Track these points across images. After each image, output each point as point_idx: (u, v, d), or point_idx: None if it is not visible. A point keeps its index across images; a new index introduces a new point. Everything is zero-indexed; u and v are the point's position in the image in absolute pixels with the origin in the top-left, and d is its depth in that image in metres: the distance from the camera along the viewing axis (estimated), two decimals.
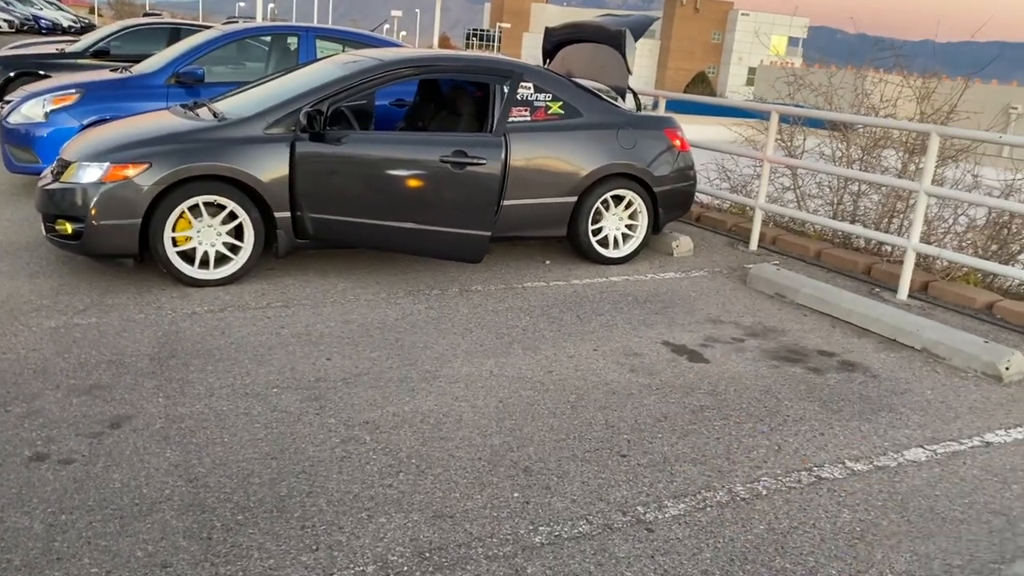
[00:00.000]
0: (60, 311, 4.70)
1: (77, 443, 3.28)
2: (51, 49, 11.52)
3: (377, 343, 4.51)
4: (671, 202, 6.56)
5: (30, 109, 7.32)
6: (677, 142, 6.54)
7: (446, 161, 5.05)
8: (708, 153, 7.97)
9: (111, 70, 8.28)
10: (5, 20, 33.41)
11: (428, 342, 4.57)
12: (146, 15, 38.36)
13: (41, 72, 10.25)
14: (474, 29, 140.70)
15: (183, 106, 6.05)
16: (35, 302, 4.81)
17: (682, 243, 6.86)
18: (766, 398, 4.13)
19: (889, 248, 6.79)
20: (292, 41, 8.54)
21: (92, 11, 58.43)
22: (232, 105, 5.80)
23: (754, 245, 7.14)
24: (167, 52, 8.29)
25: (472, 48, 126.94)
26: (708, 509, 3.08)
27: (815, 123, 7.94)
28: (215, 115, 5.51)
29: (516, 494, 3.10)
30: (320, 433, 3.48)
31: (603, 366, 4.38)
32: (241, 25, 8.39)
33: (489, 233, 5.03)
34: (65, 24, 34.79)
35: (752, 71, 76.12)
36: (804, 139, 7.78)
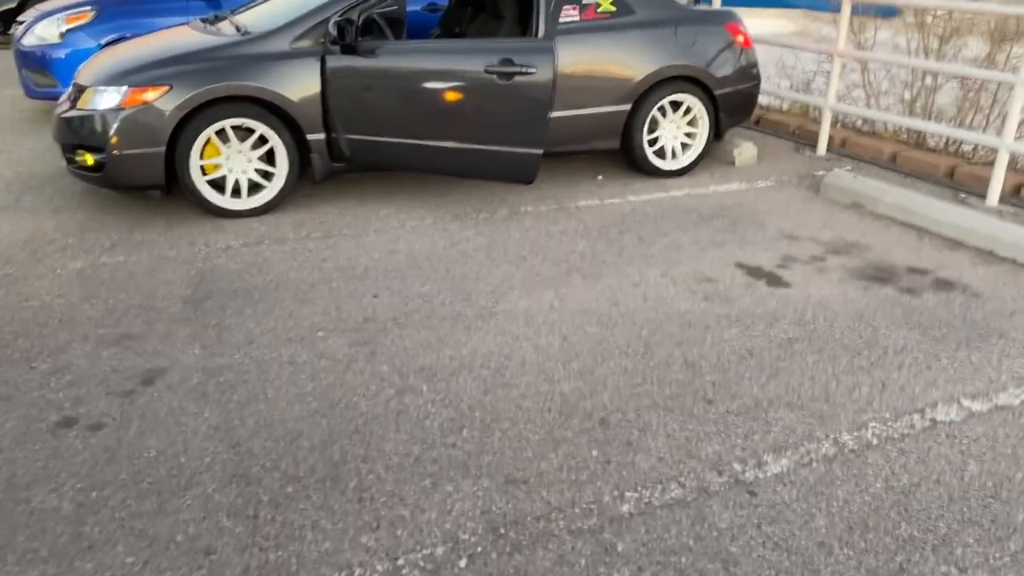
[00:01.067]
0: (86, 250, 4.39)
1: (108, 404, 2.99)
2: None
3: (426, 275, 4.15)
4: (734, 106, 6.01)
5: (44, 30, 6.90)
6: (740, 38, 5.95)
7: (491, 71, 4.56)
8: (769, 49, 7.32)
9: None
10: None
11: (481, 273, 4.20)
12: None
13: None
14: None
15: (203, 20, 5.59)
16: (60, 241, 4.50)
17: (744, 150, 6.34)
18: (860, 326, 3.71)
19: (969, 148, 6.20)
20: None
21: None
22: (256, 17, 5.32)
23: (822, 149, 6.59)
24: None
25: None
26: (814, 465, 2.72)
27: (888, 11, 7.22)
28: (238, 29, 5.05)
29: (595, 452, 2.76)
30: (372, 383, 3.15)
31: (674, 294, 3.98)
32: None
33: (541, 151, 4.58)
34: None
35: None
36: (876, 30, 7.08)
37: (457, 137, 4.68)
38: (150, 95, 4.58)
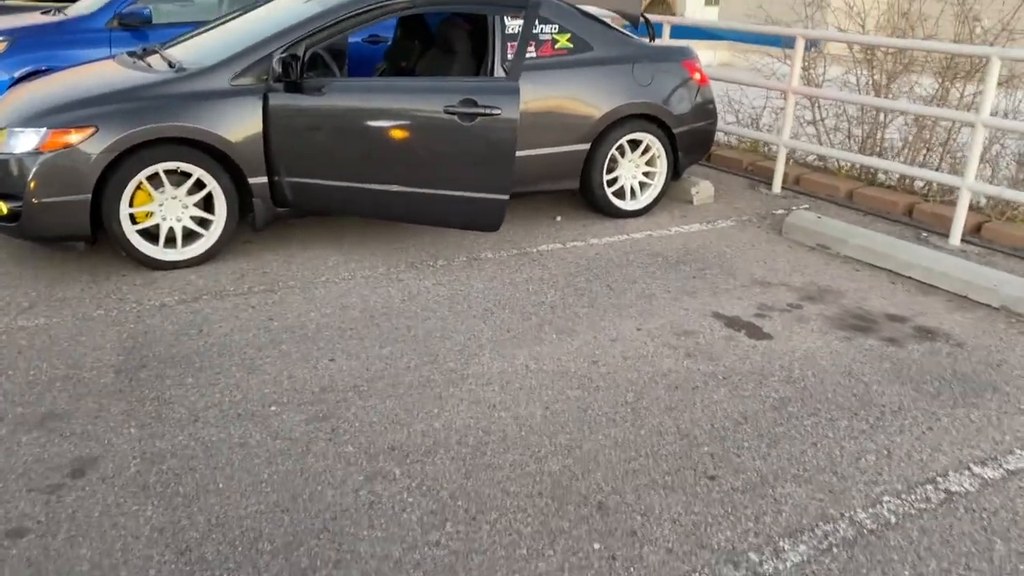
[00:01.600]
0: (0, 310, 3.92)
1: (30, 504, 2.57)
2: None
3: (386, 335, 3.81)
4: (691, 144, 5.86)
5: None
6: (696, 75, 5.81)
7: (452, 112, 4.26)
8: (716, 84, 7.24)
9: (43, 12, 7.27)
10: None
11: (446, 329, 3.88)
12: None
13: None
14: None
15: (131, 54, 5.17)
16: None
17: (702, 189, 6.19)
18: (851, 383, 3.52)
19: (922, 184, 6.18)
20: None
21: None
22: (189, 51, 4.94)
23: (778, 187, 6.49)
24: None
25: None
26: (835, 551, 2.48)
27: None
28: (171, 65, 4.66)
29: (597, 544, 2.47)
30: (338, 468, 2.80)
31: (654, 351, 3.73)
32: None
33: (507, 196, 4.30)
34: None
35: None
36: (825, 66, 7.06)
37: (415, 181, 4.37)
38: (73, 137, 4.16)
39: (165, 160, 4.33)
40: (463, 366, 3.54)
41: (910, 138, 6.52)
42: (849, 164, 6.66)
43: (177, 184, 4.45)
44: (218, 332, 3.78)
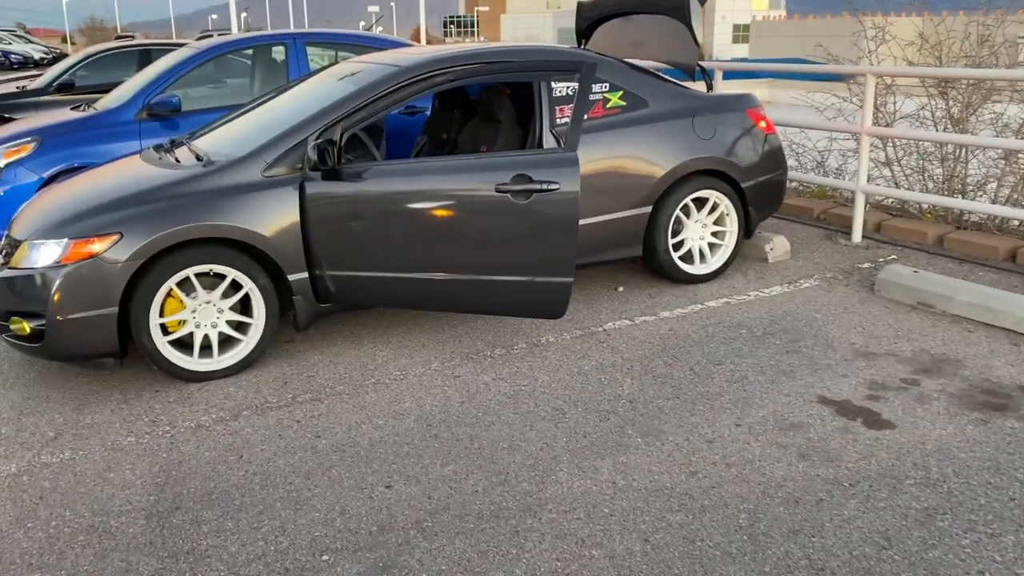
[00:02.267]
0: (23, 444, 3.55)
1: None
2: (11, 88, 10.33)
3: (447, 448, 3.34)
4: (763, 198, 5.37)
5: None
6: (762, 123, 5.35)
7: (504, 190, 3.84)
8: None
9: (73, 107, 7.10)
10: None
11: (513, 438, 3.40)
12: (118, 38, 37.10)
13: (4, 116, 9.07)
14: (451, 16, 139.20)
15: (157, 148, 4.87)
16: None
17: (777, 245, 5.68)
18: (1005, 483, 2.95)
19: (1021, 224, 5.60)
20: (278, 51, 7.34)
21: (64, 40, 57.16)
22: (218, 142, 4.61)
23: (858, 236, 5.96)
24: (135, 80, 7.10)
25: (451, 36, 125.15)
26: None
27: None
28: (198, 158, 4.33)
29: None
30: None
31: (760, 453, 3.21)
32: (216, 39, 7.20)
33: (571, 279, 3.84)
34: (37, 57, 33.61)
35: (738, 28, 74.47)
36: (895, 101, 6.54)
37: (467, 268, 3.94)
38: (96, 246, 3.81)
39: (196, 263, 3.97)
40: (539, 487, 3.04)
41: (1000, 173, 5.95)
42: (934, 207, 6.09)
43: (211, 287, 4.08)
44: (260, 457, 3.35)
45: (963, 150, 6.17)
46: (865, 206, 6.04)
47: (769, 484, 2.99)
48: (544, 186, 3.74)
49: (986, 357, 4.00)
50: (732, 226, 5.28)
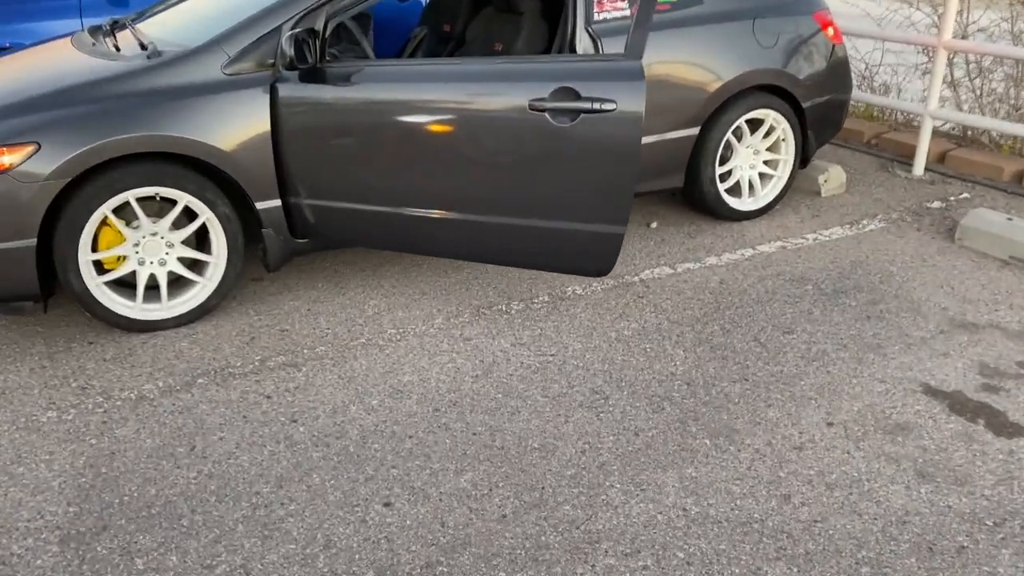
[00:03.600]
0: None
1: None
2: None
3: (460, 446, 2.59)
4: (823, 121, 4.54)
5: None
6: (830, 30, 4.45)
7: (540, 108, 2.95)
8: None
9: None
10: None
11: (545, 433, 2.65)
12: None
13: None
14: None
15: (93, 31, 3.90)
16: None
17: (832, 176, 4.87)
18: None
19: None
20: None
21: None
22: (168, 27, 3.67)
23: (920, 168, 5.15)
24: None
25: None
26: None
27: None
28: (143, 46, 3.39)
29: None
30: None
31: (867, 469, 2.49)
32: None
33: (624, 228, 3.01)
34: None
35: None
36: (968, 12, 5.62)
37: (486, 207, 3.10)
38: (6, 159, 2.92)
39: (138, 185, 3.10)
40: (586, 512, 2.31)
41: None
42: (1013, 138, 5.27)
43: (157, 215, 3.22)
44: (218, 450, 2.58)
45: None
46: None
47: (889, 519, 2.28)
48: (596, 105, 2.86)
49: None
50: (788, 154, 4.45)
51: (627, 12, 3.87)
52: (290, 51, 3.04)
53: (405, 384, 2.94)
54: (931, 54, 5.15)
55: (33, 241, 3.00)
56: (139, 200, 3.14)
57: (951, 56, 5.61)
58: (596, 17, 3.79)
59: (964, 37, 5.50)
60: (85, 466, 2.51)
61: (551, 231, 3.06)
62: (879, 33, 5.37)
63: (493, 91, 2.99)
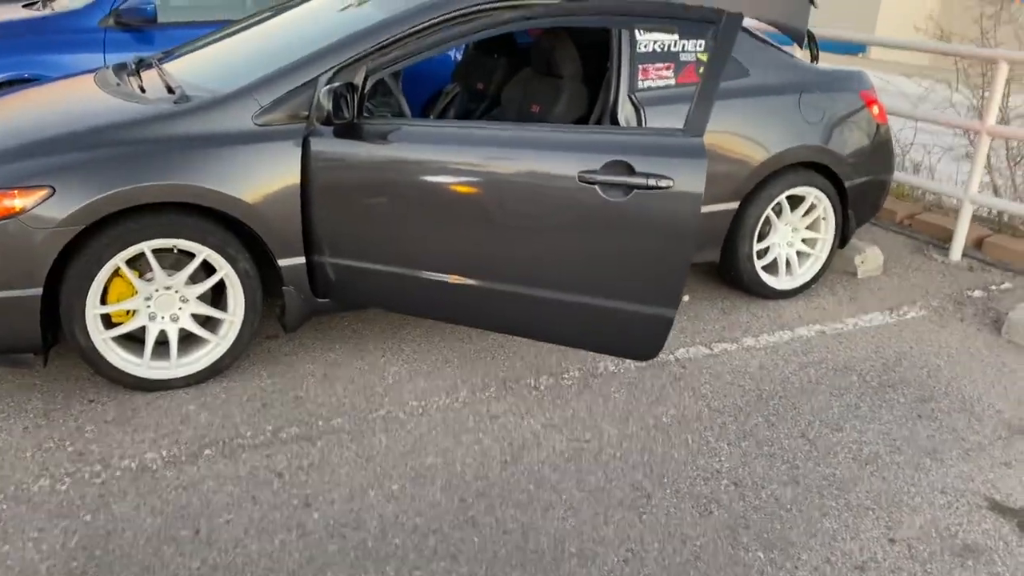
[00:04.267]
0: None
1: None
2: None
3: (491, 547, 2.36)
4: (864, 201, 4.38)
5: None
6: (875, 109, 4.31)
7: (591, 180, 2.77)
8: None
9: (25, 5, 5.88)
10: None
11: (584, 536, 2.43)
12: None
13: None
14: None
15: (118, 69, 3.75)
16: None
17: (868, 257, 4.70)
18: None
19: None
20: None
21: None
22: (197, 70, 3.52)
23: (957, 253, 4.99)
24: None
25: None
26: None
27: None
28: (169, 90, 3.23)
29: None
30: None
31: None
32: None
33: (674, 312, 2.81)
34: None
35: None
36: (1008, 95, 5.52)
37: (528, 279, 2.90)
38: (17, 202, 2.74)
39: (156, 236, 2.92)
40: None
41: None
42: None
43: (173, 268, 3.03)
44: (225, 536, 2.35)
45: None
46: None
47: None
48: (652, 181, 2.69)
49: None
50: (827, 233, 4.28)
51: (672, 81, 3.73)
52: (328, 105, 2.86)
53: (428, 467, 2.72)
54: (973, 138, 5.02)
55: (39, 290, 2.80)
56: (154, 252, 2.95)
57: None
58: (640, 85, 3.65)
59: (1006, 122, 5.39)
60: (78, 547, 2.27)
61: (595, 309, 2.86)
62: (921, 115, 5.24)
63: (540, 159, 2.82)
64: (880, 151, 4.36)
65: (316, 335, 3.59)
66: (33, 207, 2.74)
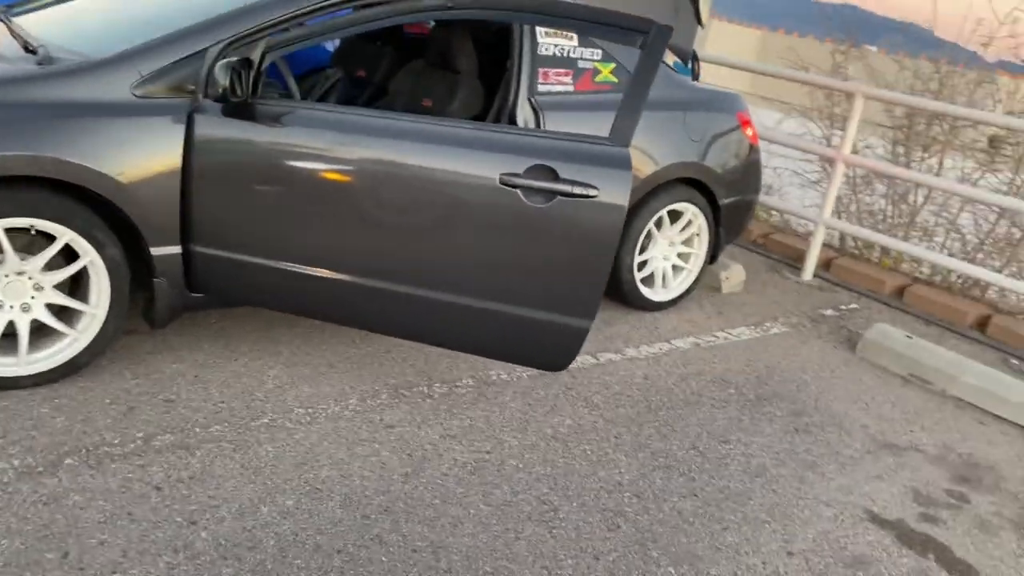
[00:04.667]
0: None
1: None
2: None
3: (400, 564, 2.22)
4: (734, 220, 4.54)
5: None
6: (749, 131, 4.49)
7: (513, 184, 2.66)
8: None
9: None
10: None
11: (496, 552, 2.33)
12: None
13: None
14: None
15: None
16: None
17: (733, 274, 4.89)
18: None
19: (994, 289, 5.15)
20: None
21: None
22: (60, 27, 3.13)
23: (809, 273, 5.29)
24: None
25: None
26: None
27: None
28: (28, 48, 2.84)
29: None
30: None
31: None
32: None
33: (590, 324, 2.75)
34: None
35: None
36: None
37: (435, 282, 2.76)
38: None
39: (12, 214, 2.55)
40: None
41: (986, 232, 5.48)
42: (893, 252, 5.54)
43: (26, 251, 2.66)
44: (100, 559, 2.07)
45: (917, 195, 5.66)
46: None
47: None
48: (578, 189, 2.62)
49: (1017, 464, 3.38)
50: (700, 248, 4.41)
51: (571, 87, 3.71)
52: (224, 81, 2.61)
53: (324, 480, 2.53)
54: (829, 166, 5.34)
55: None
56: (7, 231, 2.58)
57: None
58: (539, 88, 3.60)
59: (856, 153, 5.78)
60: None
61: (506, 316, 2.76)
62: (786, 139, 5.52)
63: (458, 157, 2.69)
64: (751, 172, 4.54)
65: (181, 332, 3.28)
66: None
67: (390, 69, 4.27)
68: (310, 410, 2.89)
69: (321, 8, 2.95)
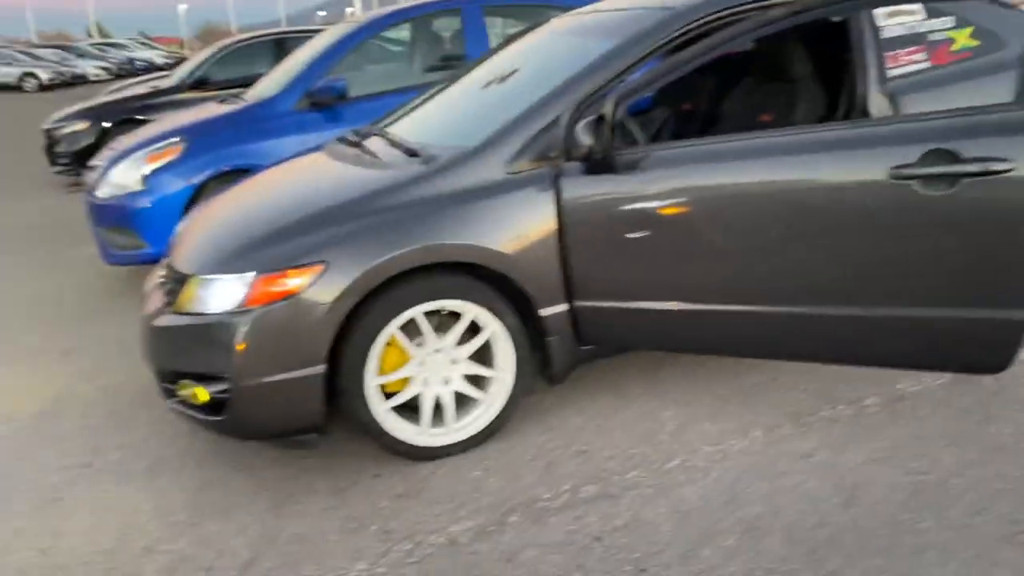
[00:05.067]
0: (208, 570, 2.45)
1: None
2: (142, 89, 9.61)
3: None
4: None
5: (123, 175, 5.22)
6: None
7: (907, 175, 2.46)
8: None
9: (218, 101, 6.13)
10: (103, 68, 33.00)
11: None
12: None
13: (139, 118, 8.31)
14: None
15: (345, 141, 3.75)
16: (160, 545, 2.57)
17: None
18: None
19: None
20: (448, 24, 6.17)
21: (181, 46, 58.78)
22: (421, 130, 3.46)
23: None
24: (284, 68, 6.08)
25: None
26: None
27: None
28: (409, 152, 3.16)
29: None
30: None
31: None
32: (374, 13, 6.08)
33: None
34: (159, 62, 34.17)
35: None
36: None
37: (834, 297, 2.62)
38: (293, 282, 2.69)
39: (425, 299, 2.82)
40: None
41: None
42: None
43: (440, 331, 2.92)
44: None
45: None
46: None
47: None
48: (983, 167, 2.36)
49: None
50: None
51: (927, 63, 3.39)
52: (586, 139, 2.72)
53: (758, 517, 2.45)
54: None
55: (322, 368, 2.74)
56: (425, 315, 2.85)
57: None
58: (890, 73, 3.33)
59: None
60: None
61: (923, 321, 2.53)
62: None
63: (836, 161, 2.55)
64: None
65: (574, 386, 3.40)
66: (309, 285, 2.69)
67: (716, 94, 4.21)
68: (719, 447, 2.84)
69: (651, 54, 2.98)
